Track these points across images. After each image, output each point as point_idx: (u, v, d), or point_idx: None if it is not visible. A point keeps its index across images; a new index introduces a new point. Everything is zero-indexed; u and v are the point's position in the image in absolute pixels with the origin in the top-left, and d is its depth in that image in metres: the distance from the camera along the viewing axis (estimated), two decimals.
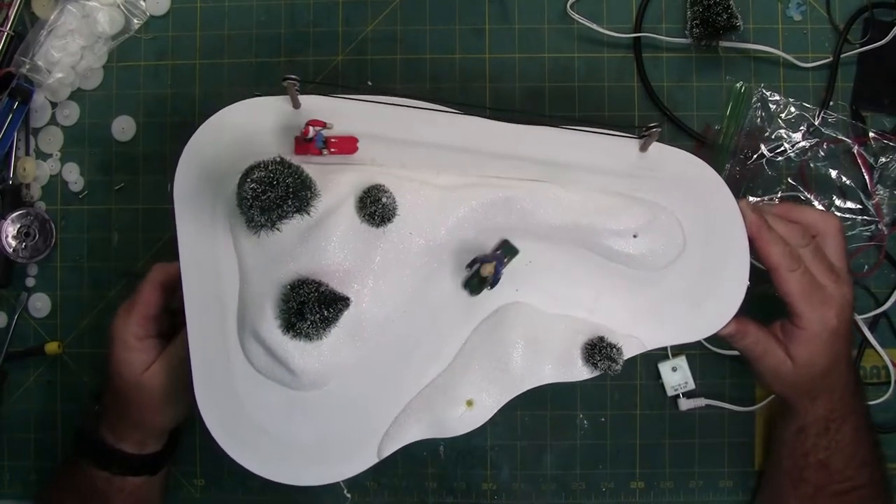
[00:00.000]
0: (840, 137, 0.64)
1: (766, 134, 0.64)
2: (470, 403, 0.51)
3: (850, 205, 0.64)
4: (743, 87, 0.65)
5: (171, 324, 0.56)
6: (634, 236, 0.51)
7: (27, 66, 0.63)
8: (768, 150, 0.64)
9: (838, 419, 0.55)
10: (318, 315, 0.46)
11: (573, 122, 0.51)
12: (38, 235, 0.65)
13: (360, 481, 0.66)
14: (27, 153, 0.66)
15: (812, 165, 0.64)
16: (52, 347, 0.65)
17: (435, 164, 0.51)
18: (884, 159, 0.64)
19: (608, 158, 0.52)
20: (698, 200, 0.52)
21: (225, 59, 0.66)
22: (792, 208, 0.55)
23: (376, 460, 0.51)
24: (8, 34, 0.64)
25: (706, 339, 0.63)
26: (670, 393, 0.64)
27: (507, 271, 0.51)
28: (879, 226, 0.64)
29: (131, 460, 0.57)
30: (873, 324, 0.64)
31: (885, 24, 0.64)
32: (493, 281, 0.48)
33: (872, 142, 0.64)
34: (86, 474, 0.56)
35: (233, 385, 0.50)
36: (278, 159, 0.45)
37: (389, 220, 0.48)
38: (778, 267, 0.51)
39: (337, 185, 0.49)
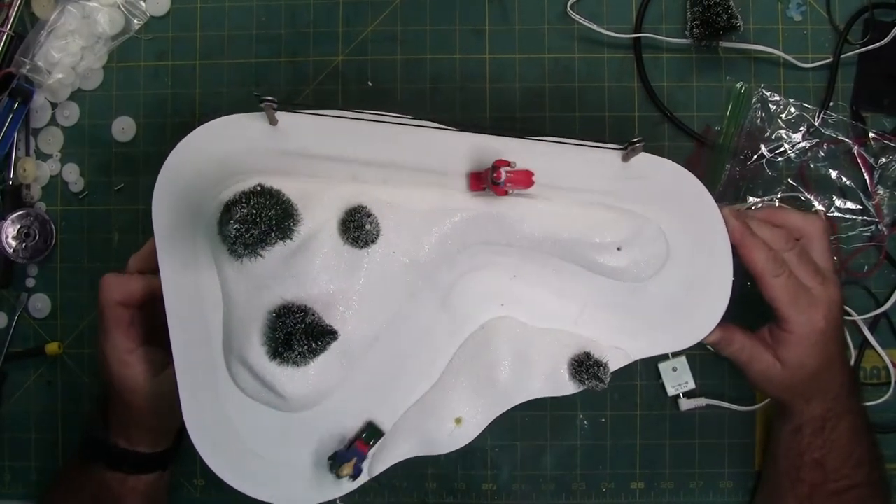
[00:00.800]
0: (840, 138, 0.64)
1: (767, 134, 0.64)
2: (458, 421, 0.51)
3: (850, 205, 0.64)
4: (743, 88, 0.65)
5: (156, 315, 0.54)
6: (618, 249, 0.50)
7: (27, 67, 0.63)
8: (768, 151, 0.64)
9: (834, 418, 0.55)
10: (305, 347, 0.46)
11: (556, 133, 0.51)
12: (38, 236, 0.65)
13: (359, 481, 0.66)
14: (27, 154, 0.66)
15: (812, 166, 0.64)
16: (52, 348, 0.65)
17: (417, 180, 0.51)
18: (884, 160, 0.64)
19: (591, 169, 0.52)
20: (682, 209, 0.52)
21: (225, 59, 0.66)
22: (775, 212, 0.55)
23: (367, 478, 0.51)
24: (8, 35, 0.64)
25: (706, 344, 0.63)
26: (670, 393, 0.64)
27: (497, 284, 0.51)
28: (879, 226, 0.64)
29: (145, 459, 0.57)
30: (873, 324, 0.64)
31: (886, 24, 0.63)
32: (355, 474, 0.49)
33: (872, 142, 0.64)
34: (96, 477, 0.56)
35: (222, 408, 0.50)
36: (258, 189, 0.45)
37: (373, 242, 0.48)
38: (763, 273, 0.51)
39: (319, 206, 0.48)
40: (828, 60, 0.64)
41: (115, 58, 0.67)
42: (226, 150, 0.50)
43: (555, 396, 0.64)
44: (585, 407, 0.65)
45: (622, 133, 0.65)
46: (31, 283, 0.66)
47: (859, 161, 0.64)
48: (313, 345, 0.46)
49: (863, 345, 0.64)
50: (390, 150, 0.51)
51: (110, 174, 0.66)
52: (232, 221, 0.43)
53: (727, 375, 0.65)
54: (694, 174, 0.52)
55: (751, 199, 0.64)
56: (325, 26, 0.66)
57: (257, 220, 0.43)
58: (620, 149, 0.52)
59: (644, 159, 0.52)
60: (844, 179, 0.64)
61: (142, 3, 0.66)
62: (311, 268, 0.47)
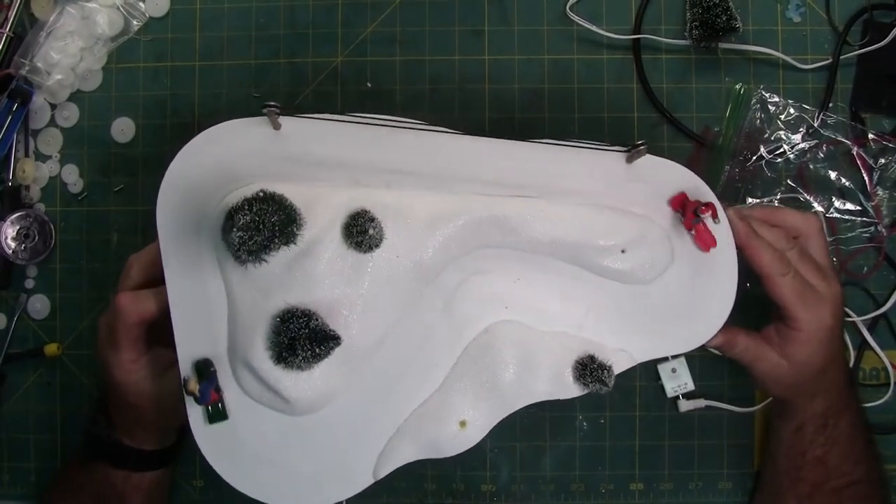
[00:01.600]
0: (839, 139, 0.64)
1: (766, 135, 0.64)
2: (463, 424, 0.51)
3: (849, 206, 0.64)
4: (742, 89, 0.65)
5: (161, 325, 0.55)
6: (622, 251, 0.50)
7: (26, 68, 0.63)
8: (767, 152, 0.64)
9: (836, 415, 0.55)
10: (308, 352, 0.46)
11: (558, 136, 0.51)
12: (37, 237, 0.65)
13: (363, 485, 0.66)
14: (26, 155, 0.66)
15: (811, 167, 0.64)
16: (51, 349, 0.65)
17: (420, 183, 0.51)
18: (883, 161, 0.64)
19: (594, 172, 0.52)
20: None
21: (224, 60, 0.66)
22: (772, 212, 0.55)
23: (371, 482, 0.52)
24: (7, 36, 0.64)
25: (707, 347, 0.63)
26: (670, 394, 0.64)
27: (499, 286, 0.51)
28: (879, 227, 0.64)
29: (149, 456, 0.57)
30: (872, 325, 0.64)
31: (885, 25, 0.63)
32: (200, 399, 0.49)
33: (872, 143, 0.64)
34: (99, 475, 0.56)
35: (228, 413, 0.50)
36: (261, 195, 0.45)
37: (377, 246, 0.48)
38: (770, 273, 0.51)
39: (322, 211, 0.48)
40: (827, 61, 0.64)
41: (114, 59, 0.67)
42: (228, 155, 0.50)
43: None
44: (585, 408, 0.65)
45: (622, 134, 0.65)
46: (30, 284, 0.66)
47: (858, 162, 0.64)
48: (317, 350, 0.46)
49: (862, 346, 0.64)
50: (392, 153, 0.51)
51: (109, 175, 0.66)
52: (235, 229, 0.43)
53: (726, 376, 0.65)
54: (703, 182, 0.52)
55: (750, 200, 0.64)
56: (324, 27, 0.66)
57: (260, 226, 0.43)
58: (624, 151, 0.52)
59: (648, 161, 0.52)
60: (843, 180, 0.64)
61: (141, 5, 0.66)
62: (315, 272, 0.47)
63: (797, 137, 0.64)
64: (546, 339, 0.52)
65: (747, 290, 0.57)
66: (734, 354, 0.55)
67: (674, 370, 0.64)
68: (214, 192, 0.49)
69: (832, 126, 0.64)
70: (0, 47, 0.64)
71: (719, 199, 0.52)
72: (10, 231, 0.65)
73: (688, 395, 0.64)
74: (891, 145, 0.63)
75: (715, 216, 0.49)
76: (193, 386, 0.48)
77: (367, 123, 0.50)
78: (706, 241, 0.50)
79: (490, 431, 0.65)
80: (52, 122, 0.66)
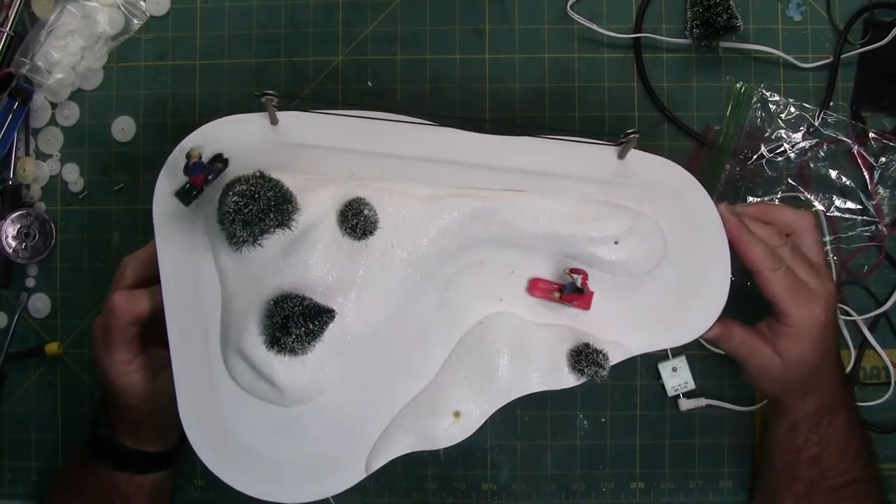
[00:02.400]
0: (840, 138, 0.64)
1: (766, 134, 0.64)
2: (457, 415, 0.51)
3: (850, 205, 0.64)
4: (743, 88, 0.65)
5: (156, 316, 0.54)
6: (616, 243, 0.51)
7: (27, 67, 0.63)
8: (768, 151, 0.64)
9: (829, 414, 0.55)
10: (302, 329, 0.46)
11: (553, 129, 0.52)
12: (38, 236, 0.65)
13: (358, 483, 0.66)
14: (27, 154, 0.66)
15: (812, 166, 0.64)
16: (52, 348, 0.65)
17: (415, 177, 0.51)
18: (884, 159, 0.64)
19: (588, 166, 0.52)
20: (678, 206, 0.52)
21: (225, 59, 0.66)
22: (766, 208, 0.55)
23: (364, 475, 0.51)
24: (8, 34, 0.64)
25: (703, 340, 0.63)
26: (670, 393, 0.64)
27: (495, 278, 0.51)
28: (879, 226, 0.64)
29: (152, 458, 0.57)
30: (873, 324, 0.64)
31: (885, 24, 0.64)
32: (187, 169, 0.47)
33: (872, 142, 0.64)
34: (101, 477, 0.56)
35: (218, 404, 0.50)
36: (258, 174, 0.45)
37: (371, 232, 0.48)
38: (761, 268, 0.51)
39: (318, 200, 0.48)
40: (828, 60, 0.64)
41: (114, 58, 0.67)
42: (227, 148, 0.50)
43: (555, 396, 0.65)
44: (585, 407, 0.65)
45: (622, 133, 0.65)
46: (30, 283, 0.66)
47: (859, 161, 0.64)
48: (311, 325, 0.46)
49: (862, 345, 0.64)
50: (389, 147, 0.51)
51: (110, 174, 0.66)
52: (231, 194, 0.43)
53: (727, 375, 0.65)
54: (694, 174, 0.52)
55: (751, 198, 0.64)
56: (325, 26, 0.66)
57: (256, 196, 0.44)
58: (615, 145, 0.52)
59: (639, 157, 0.52)
60: (844, 179, 0.64)
61: (142, 3, 0.66)
62: (310, 259, 0.48)
63: (798, 136, 0.64)
64: (540, 330, 0.52)
65: (746, 288, 0.57)
66: (730, 348, 0.55)
67: (674, 369, 0.64)
68: (211, 186, 0.49)
69: (833, 125, 0.64)
70: (1, 46, 0.64)
71: (720, 198, 0.53)
72: (11, 230, 0.65)
73: (688, 394, 0.64)
74: (891, 144, 0.63)
75: (584, 283, 0.50)
76: (195, 154, 0.47)
77: (363, 118, 0.51)
78: (584, 302, 0.51)
79: (489, 430, 0.65)
80: (53, 121, 0.66)
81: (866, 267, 0.65)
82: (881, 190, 0.64)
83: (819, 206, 0.64)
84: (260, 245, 0.46)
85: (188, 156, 0.47)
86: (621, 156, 0.52)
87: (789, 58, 0.64)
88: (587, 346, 0.51)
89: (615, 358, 0.52)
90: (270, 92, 0.48)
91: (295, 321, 0.46)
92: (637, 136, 0.50)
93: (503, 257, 0.52)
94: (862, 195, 0.64)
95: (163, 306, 0.50)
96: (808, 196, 0.64)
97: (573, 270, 0.50)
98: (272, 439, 0.50)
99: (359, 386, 0.51)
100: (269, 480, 0.50)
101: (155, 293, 0.51)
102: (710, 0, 0.62)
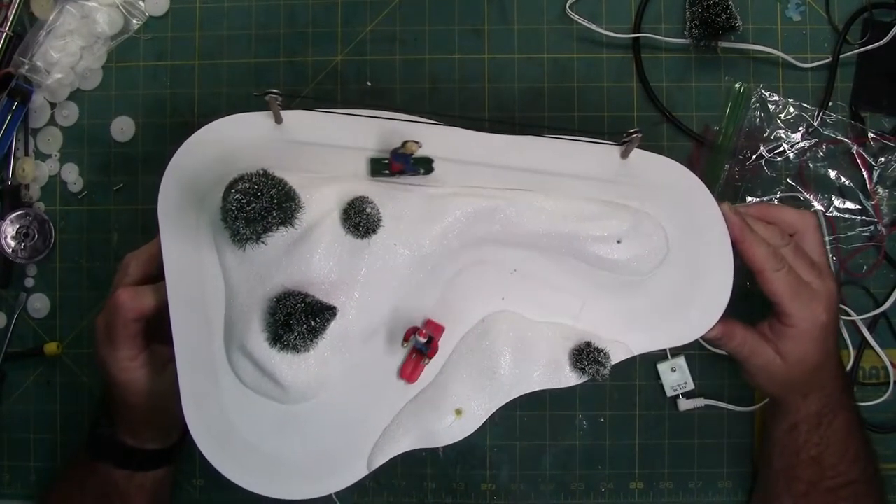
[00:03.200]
0: (839, 138, 0.64)
1: (766, 134, 0.64)
2: (459, 412, 0.51)
3: (849, 205, 0.64)
4: (742, 88, 0.65)
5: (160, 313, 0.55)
6: (618, 242, 0.51)
7: (26, 67, 0.63)
8: (767, 151, 0.64)
9: (829, 414, 0.55)
10: (304, 326, 0.46)
11: (555, 128, 0.52)
12: (37, 236, 0.65)
13: (359, 482, 0.65)
14: (26, 154, 0.66)
15: (811, 166, 0.64)
16: (51, 348, 0.65)
17: (418, 176, 0.52)
18: (883, 159, 0.64)
19: (590, 166, 0.52)
20: (681, 205, 0.52)
21: (224, 59, 0.66)
22: (768, 209, 0.56)
23: (366, 472, 0.51)
24: (7, 34, 0.64)
25: (704, 340, 0.63)
26: (669, 393, 0.64)
27: (497, 277, 0.52)
28: (878, 226, 0.64)
29: (153, 455, 0.57)
30: (872, 324, 0.64)
31: (885, 24, 0.64)
32: (397, 162, 0.49)
33: (871, 142, 0.64)
34: (101, 475, 0.56)
35: (221, 401, 0.50)
36: (262, 172, 0.45)
37: (374, 231, 0.48)
38: (763, 268, 0.51)
39: (321, 198, 0.49)
40: (827, 60, 0.64)
41: (114, 58, 0.67)
42: (231, 147, 0.51)
43: (554, 396, 0.65)
44: (584, 407, 0.65)
45: (621, 133, 0.65)
46: (30, 283, 0.66)
47: (858, 161, 0.64)
48: (312, 323, 0.46)
49: (862, 345, 0.64)
50: (393, 146, 0.51)
51: (109, 174, 0.66)
52: (233, 192, 0.44)
53: (726, 376, 0.65)
54: (698, 178, 0.52)
55: (750, 198, 0.64)
56: (324, 26, 0.66)
57: (259, 194, 0.44)
58: (618, 144, 0.52)
59: (642, 157, 0.52)
60: (843, 179, 0.64)
61: (141, 3, 0.66)
62: (313, 257, 0.48)
63: (797, 136, 0.64)
64: (542, 328, 0.52)
65: (746, 288, 0.57)
66: (731, 348, 0.55)
67: (673, 369, 0.64)
68: (215, 184, 0.49)
69: (832, 125, 0.64)
70: (0, 46, 0.64)
71: (719, 198, 0.53)
72: (10, 230, 0.65)
73: (687, 395, 0.64)
74: (891, 144, 0.63)
75: (433, 354, 0.50)
76: (411, 148, 0.48)
77: (366, 116, 0.51)
78: (411, 373, 0.51)
79: (488, 430, 0.65)
80: (52, 121, 0.66)
81: (865, 267, 0.65)
82: (880, 190, 0.64)
83: (818, 206, 0.64)
84: (263, 243, 0.46)
85: (405, 143, 0.48)
86: (624, 155, 0.52)
87: (788, 58, 0.64)
88: (589, 344, 0.51)
89: (617, 357, 0.52)
90: (274, 91, 0.48)
91: (297, 318, 0.46)
92: (640, 135, 0.50)
93: (505, 256, 0.52)
94: (861, 195, 0.64)
95: (167, 303, 0.50)
96: (807, 196, 0.64)
97: (418, 332, 0.50)
98: (274, 436, 0.51)
99: (361, 383, 0.51)
100: (271, 477, 0.51)
101: (159, 290, 0.51)
102: (710, 0, 0.62)
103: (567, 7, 0.64)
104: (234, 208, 0.43)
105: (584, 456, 0.65)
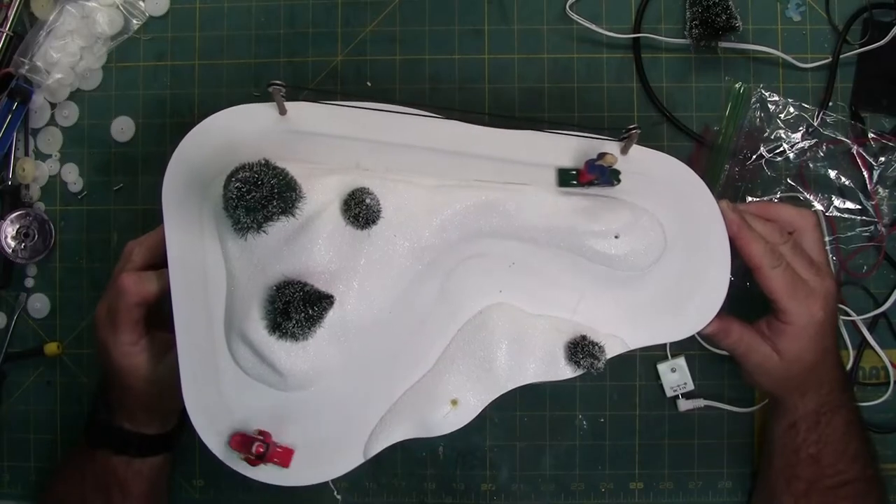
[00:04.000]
0: (839, 138, 0.64)
1: (766, 134, 0.64)
2: (454, 403, 0.51)
3: (849, 205, 0.64)
4: (742, 88, 0.65)
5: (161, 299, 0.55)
6: (616, 237, 0.51)
7: (26, 67, 0.63)
8: (767, 151, 0.64)
9: (828, 412, 0.55)
10: (302, 314, 0.46)
11: (555, 124, 0.52)
12: (37, 236, 0.65)
13: (359, 481, 0.66)
14: (26, 154, 0.66)
15: (811, 166, 0.64)
16: (51, 348, 0.65)
17: (419, 169, 0.52)
18: (883, 159, 0.64)
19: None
20: (679, 202, 0.53)
21: (224, 59, 0.66)
22: (768, 206, 0.56)
23: (362, 460, 0.52)
24: (7, 35, 0.64)
25: (705, 340, 0.63)
26: (669, 394, 0.64)
27: (495, 270, 0.52)
28: (878, 226, 0.64)
29: (151, 441, 0.57)
30: (872, 324, 0.64)
31: (885, 24, 0.63)
32: (594, 175, 0.50)
33: (872, 142, 0.64)
34: (100, 462, 0.57)
35: (220, 387, 0.51)
36: (263, 162, 0.46)
37: (374, 222, 0.49)
38: (760, 265, 0.51)
39: (322, 188, 0.49)
40: (827, 60, 0.64)
41: (114, 58, 0.67)
42: (235, 138, 0.51)
43: (554, 396, 0.65)
44: (584, 407, 0.65)
45: (622, 130, 0.65)
46: (30, 283, 0.66)
47: (858, 161, 0.64)
48: (310, 311, 0.47)
49: (862, 345, 0.64)
50: (394, 138, 0.52)
51: (109, 174, 0.66)
52: (234, 180, 0.44)
53: (726, 376, 0.65)
54: (696, 175, 0.52)
55: (750, 198, 0.64)
56: (324, 26, 0.66)
57: (259, 182, 0.44)
58: (617, 140, 0.52)
59: (642, 153, 0.53)
60: (843, 179, 0.64)
61: (141, 4, 0.66)
62: (313, 246, 0.48)
63: (797, 136, 0.64)
64: (539, 321, 0.53)
65: (746, 288, 0.57)
66: (728, 344, 0.55)
67: (673, 370, 0.64)
68: (219, 173, 0.50)
69: (832, 125, 0.64)
70: (0, 46, 0.64)
71: (719, 198, 0.53)
72: (10, 230, 0.65)
73: (687, 395, 0.64)
74: (891, 144, 0.63)
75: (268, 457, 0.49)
76: (611, 160, 0.49)
77: (369, 109, 0.52)
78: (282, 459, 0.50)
79: (489, 431, 0.65)
80: (52, 122, 0.66)
81: (865, 267, 0.65)
82: (880, 190, 0.64)
83: (818, 206, 0.64)
84: (264, 232, 0.46)
85: (605, 155, 0.49)
86: (624, 151, 0.52)
87: (788, 58, 0.64)
88: (584, 338, 0.51)
89: (612, 351, 0.52)
90: (278, 82, 0.48)
91: (295, 306, 0.46)
92: (639, 131, 0.50)
93: (504, 249, 0.53)
94: (861, 195, 0.64)
95: (168, 290, 0.50)
96: (808, 196, 0.64)
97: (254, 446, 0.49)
98: (273, 423, 0.51)
99: (359, 373, 0.51)
100: (269, 464, 0.51)
101: (161, 276, 0.52)
102: (710, 0, 0.62)
103: (567, 7, 0.64)
104: (234, 197, 0.44)
105: (584, 456, 0.65)
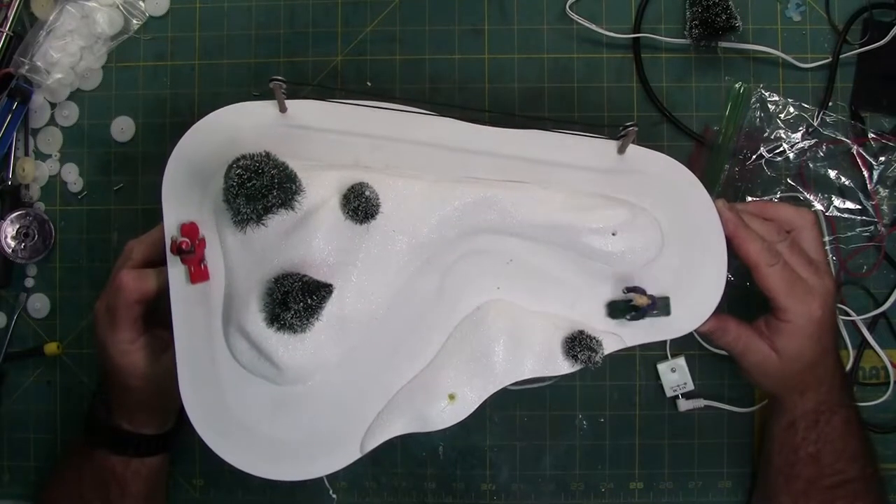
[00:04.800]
0: (839, 138, 0.64)
1: (766, 134, 0.64)
2: (452, 397, 0.51)
3: (849, 205, 0.64)
4: (742, 88, 0.65)
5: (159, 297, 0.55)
6: (613, 234, 0.51)
7: (26, 67, 0.63)
8: (767, 151, 0.64)
9: (827, 411, 0.55)
10: (301, 304, 0.46)
11: (554, 123, 0.52)
12: (37, 236, 0.65)
13: (359, 481, 0.66)
14: (26, 154, 0.66)
15: (811, 166, 0.64)
16: (51, 348, 0.65)
17: (419, 166, 0.52)
18: (883, 159, 0.64)
19: (588, 161, 0.53)
20: (676, 201, 0.53)
21: (224, 59, 0.66)
22: (766, 206, 0.56)
23: (359, 455, 0.52)
24: (7, 35, 0.64)
25: (703, 339, 0.63)
26: (669, 394, 0.64)
27: (493, 267, 0.52)
28: (878, 226, 0.64)
29: (149, 441, 0.57)
30: (872, 324, 0.64)
31: (884, 24, 0.63)
32: (638, 315, 0.51)
33: (872, 142, 0.64)
34: (99, 462, 0.57)
35: (218, 381, 0.51)
36: (264, 153, 0.46)
37: (373, 216, 0.49)
38: (757, 263, 0.51)
39: (321, 183, 0.49)
40: (827, 60, 0.64)
41: (114, 58, 0.67)
42: (235, 135, 0.51)
43: (554, 396, 0.65)
44: (584, 407, 0.65)
45: (619, 127, 0.65)
46: (29, 283, 0.66)
47: (858, 161, 0.64)
48: (309, 300, 0.47)
49: (862, 345, 0.64)
50: (394, 134, 0.52)
51: (109, 174, 0.66)
52: (235, 167, 0.44)
53: (726, 376, 0.65)
54: (693, 174, 0.53)
55: (750, 198, 0.64)
56: (324, 26, 0.66)
57: (260, 171, 0.44)
58: (614, 139, 0.52)
59: (639, 152, 0.53)
60: (843, 179, 0.64)
61: (141, 4, 0.66)
62: (313, 241, 0.48)
63: (797, 136, 0.64)
64: (536, 318, 0.53)
65: (746, 289, 0.57)
66: (725, 343, 0.55)
67: (673, 370, 0.64)
68: (219, 170, 0.50)
69: (832, 125, 0.64)
70: (0, 46, 0.64)
71: (719, 198, 0.53)
72: (10, 230, 0.65)
73: (687, 395, 0.64)
74: (891, 144, 0.63)
75: (201, 251, 0.50)
76: (644, 301, 0.50)
77: (370, 107, 0.52)
78: (196, 275, 0.50)
79: (489, 431, 0.65)
80: (52, 121, 0.66)
81: (865, 267, 0.65)
82: (880, 190, 0.64)
83: (818, 206, 0.64)
84: (264, 224, 0.46)
85: (640, 293, 0.51)
86: (621, 150, 0.52)
87: (788, 58, 0.64)
88: (581, 332, 0.51)
89: (609, 347, 0.52)
90: (279, 78, 0.48)
91: (294, 296, 0.46)
92: (635, 128, 0.50)
93: (502, 246, 0.53)
94: (861, 195, 0.64)
95: (167, 287, 0.50)
96: (808, 196, 0.64)
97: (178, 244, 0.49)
98: (270, 418, 0.51)
99: (356, 368, 0.51)
100: (265, 458, 0.51)
101: (161, 273, 0.52)
102: (709, 0, 0.62)
103: (567, 7, 0.64)
104: (235, 184, 0.44)
105: (584, 456, 0.65)
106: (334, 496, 0.64)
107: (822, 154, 0.64)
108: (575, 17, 0.64)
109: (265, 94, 0.52)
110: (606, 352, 0.51)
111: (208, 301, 0.51)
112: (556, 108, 0.65)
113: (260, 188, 0.44)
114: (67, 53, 0.65)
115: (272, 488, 0.65)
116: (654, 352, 0.65)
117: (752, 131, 0.64)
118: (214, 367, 0.51)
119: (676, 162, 0.53)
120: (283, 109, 0.51)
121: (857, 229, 0.64)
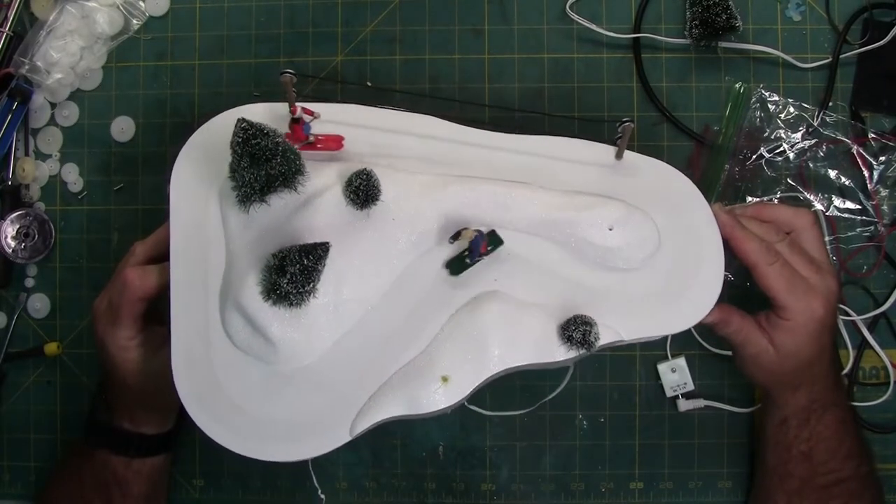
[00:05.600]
0: (839, 138, 0.64)
1: (766, 134, 0.64)
2: (445, 380, 0.51)
3: (849, 205, 0.64)
4: (742, 88, 0.65)
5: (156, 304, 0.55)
6: (610, 229, 0.52)
7: (26, 67, 0.63)
8: (767, 151, 0.64)
9: (819, 409, 0.55)
10: (297, 265, 0.47)
11: (555, 125, 0.53)
12: (37, 236, 0.65)
13: (358, 481, 0.66)
14: (26, 154, 0.66)
15: (811, 166, 0.64)
16: (51, 348, 0.65)
17: (421, 164, 0.53)
18: (883, 159, 0.64)
19: (585, 167, 0.54)
20: (674, 206, 0.53)
21: (224, 59, 0.66)
22: (764, 208, 0.56)
23: (349, 438, 0.51)
24: (7, 35, 0.64)
25: (704, 324, 0.63)
26: (669, 394, 0.64)
27: (490, 260, 0.52)
28: (879, 226, 0.64)
29: (151, 440, 0.57)
30: (872, 324, 0.64)
31: (885, 24, 0.63)
32: (472, 254, 0.50)
33: (872, 142, 0.64)
34: (100, 462, 0.57)
35: (211, 362, 0.51)
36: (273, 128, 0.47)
37: (374, 199, 0.50)
38: (756, 262, 0.51)
39: (325, 173, 0.51)
40: (827, 60, 0.64)
41: (114, 58, 0.67)
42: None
43: (555, 397, 0.65)
44: (584, 407, 0.65)
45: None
46: (30, 283, 0.66)
47: (858, 161, 0.64)
48: (305, 261, 0.47)
49: (862, 345, 0.64)
50: (396, 136, 0.54)
51: (109, 174, 0.66)
52: (241, 121, 0.45)
53: (726, 376, 0.65)
54: (693, 174, 0.53)
55: (750, 198, 0.64)
56: (324, 26, 0.66)
57: (266, 133, 0.45)
58: (613, 144, 0.53)
59: (635, 159, 0.54)
60: (843, 179, 0.64)
61: (141, 3, 0.66)
62: (314, 222, 0.49)
63: (797, 136, 0.64)
64: (532, 308, 0.53)
65: (746, 289, 0.57)
66: (727, 333, 0.55)
67: (673, 370, 0.64)
68: (224, 164, 0.50)
69: (832, 125, 0.64)
70: (0, 46, 0.64)
71: (720, 198, 0.53)
72: (10, 230, 0.65)
73: (687, 395, 0.64)
74: (891, 144, 0.63)
75: (311, 113, 0.51)
76: (470, 234, 0.50)
77: (371, 107, 0.54)
78: (332, 143, 0.52)
79: (489, 431, 0.65)
80: (52, 121, 0.67)
81: (865, 267, 0.65)
82: (880, 190, 0.64)
83: (818, 206, 0.64)
84: (267, 203, 0.47)
85: (458, 234, 0.51)
86: (618, 156, 0.53)
87: (788, 58, 0.64)
88: (576, 317, 0.51)
89: (606, 339, 0.52)
90: (290, 71, 0.49)
91: (290, 259, 0.47)
92: (632, 124, 0.50)
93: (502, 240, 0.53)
94: (861, 195, 0.64)
95: (168, 284, 0.51)
96: (808, 196, 0.64)
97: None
98: (262, 399, 0.51)
99: (350, 353, 0.52)
100: (256, 439, 0.51)
101: (164, 270, 0.52)
102: (710, 0, 0.62)
103: (567, 7, 0.64)
104: (241, 139, 0.45)
105: (584, 456, 0.65)
106: (322, 496, 0.63)
107: (822, 154, 0.64)
108: (575, 17, 0.64)
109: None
110: (603, 342, 0.51)
111: (206, 282, 0.51)
112: (557, 107, 0.65)
113: (265, 148, 0.45)
114: (67, 53, 0.65)
115: (272, 488, 0.65)
116: (655, 352, 0.65)
117: (752, 131, 0.64)
118: (208, 349, 0.51)
119: (673, 168, 0.54)
120: (292, 103, 0.52)
121: (858, 229, 0.64)
